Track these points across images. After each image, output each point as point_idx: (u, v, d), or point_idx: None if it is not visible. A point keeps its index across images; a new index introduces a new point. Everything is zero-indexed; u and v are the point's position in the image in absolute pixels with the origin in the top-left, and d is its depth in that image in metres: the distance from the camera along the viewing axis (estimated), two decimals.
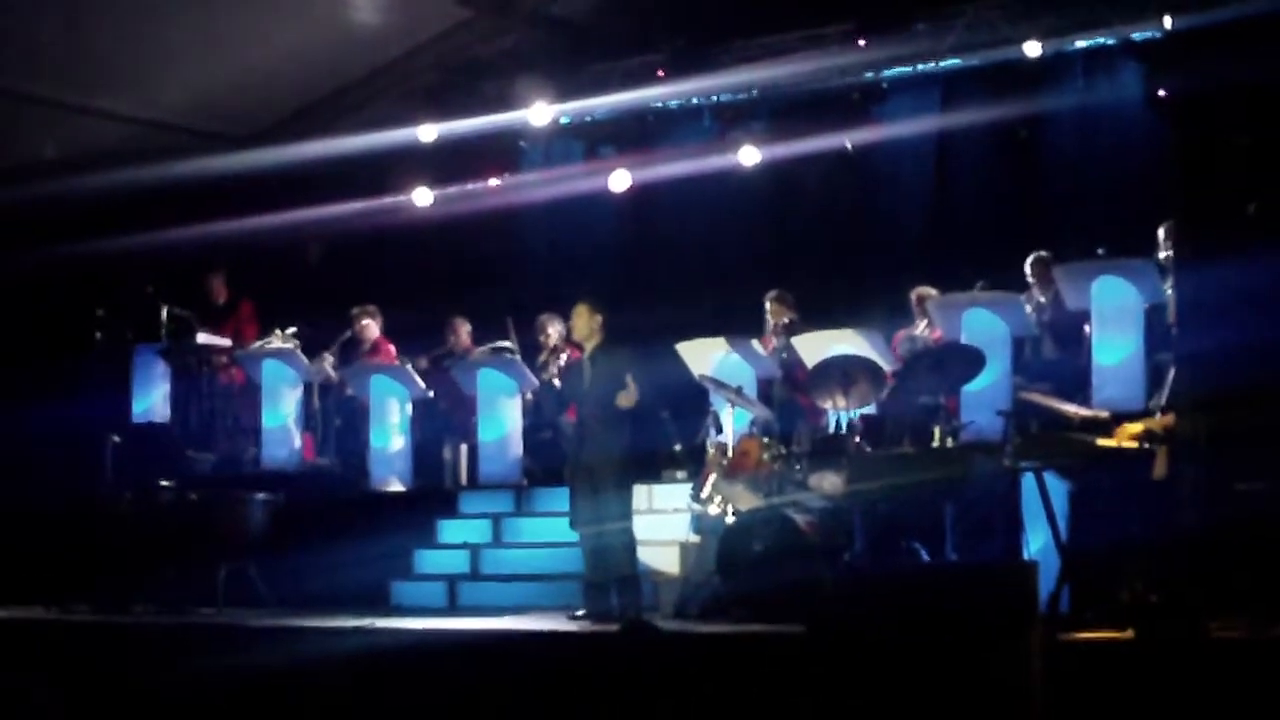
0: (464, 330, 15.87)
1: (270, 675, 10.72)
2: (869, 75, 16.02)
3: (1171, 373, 10.42)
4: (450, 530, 14.30)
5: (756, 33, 16.10)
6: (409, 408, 15.19)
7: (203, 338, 16.02)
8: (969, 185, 16.06)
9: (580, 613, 11.64)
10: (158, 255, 16.92)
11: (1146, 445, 9.93)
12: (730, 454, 12.11)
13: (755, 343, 13.98)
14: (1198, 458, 9.12)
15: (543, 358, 15.13)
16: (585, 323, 12.02)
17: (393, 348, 15.87)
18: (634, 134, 17.24)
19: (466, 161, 17.56)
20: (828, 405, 12.23)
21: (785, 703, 8.94)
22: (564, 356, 14.83)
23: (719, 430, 12.57)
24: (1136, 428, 10.07)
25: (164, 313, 16.00)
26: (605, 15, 17.00)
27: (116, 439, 14.60)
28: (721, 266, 16.65)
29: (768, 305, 14.27)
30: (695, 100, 16.91)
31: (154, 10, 15.63)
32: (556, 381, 14.66)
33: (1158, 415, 10.25)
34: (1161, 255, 12.39)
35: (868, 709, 7.98)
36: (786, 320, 14.10)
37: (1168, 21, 12.64)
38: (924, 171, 16.28)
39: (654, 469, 13.56)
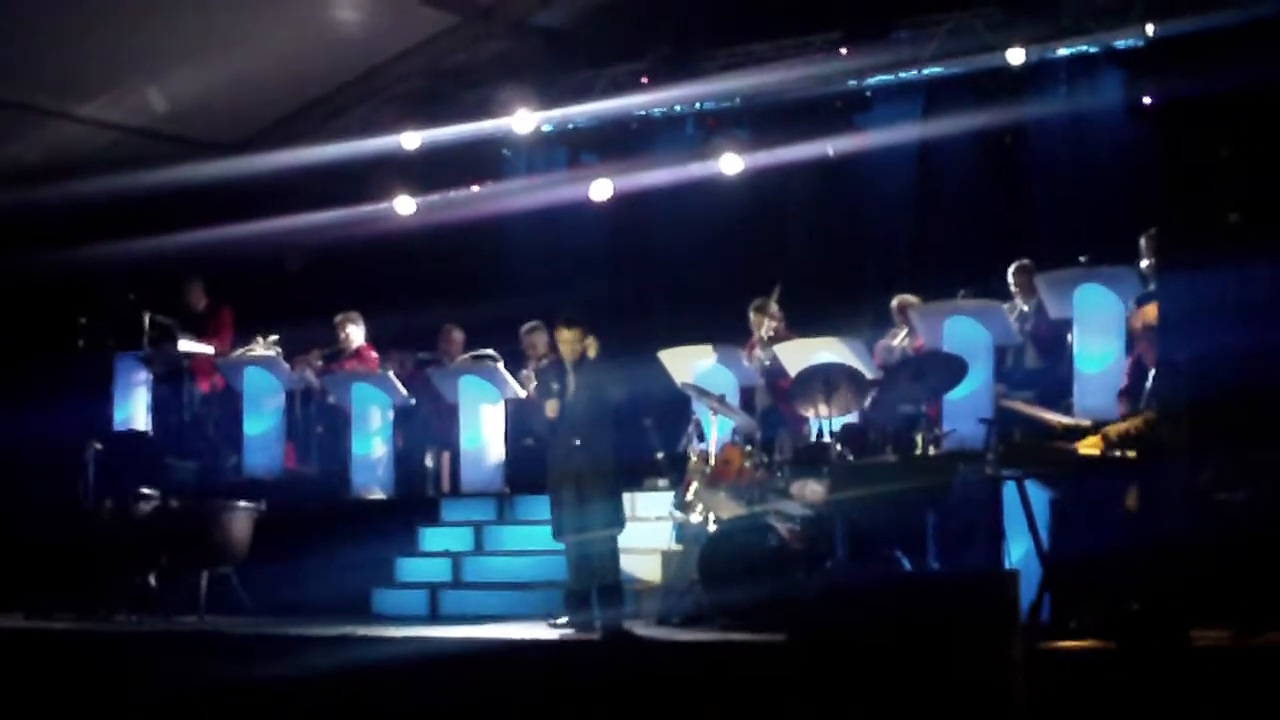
0: (456, 339, 15.83)
1: (252, 683, 10.69)
2: (852, 83, 16.02)
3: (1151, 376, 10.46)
4: (432, 538, 14.28)
5: (740, 41, 16.13)
6: (391, 415, 15.17)
7: (184, 345, 15.96)
8: (951, 193, 16.10)
9: (561, 620, 11.60)
10: (140, 262, 16.88)
11: (1123, 452, 9.94)
12: (712, 462, 12.08)
13: (738, 350, 13.97)
14: (1179, 466, 9.13)
15: (532, 367, 15.06)
16: (573, 346, 11.90)
17: (375, 354, 15.84)
18: (617, 141, 17.22)
19: (449, 169, 17.54)
20: (810, 413, 12.21)
21: (767, 711, 8.94)
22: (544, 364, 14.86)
23: (701, 438, 12.56)
24: (1095, 439, 10.09)
25: (146, 320, 15.95)
26: (589, 23, 17.02)
27: (98, 446, 14.57)
28: (705, 274, 16.66)
29: (751, 314, 14.25)
30: (678, 108, 16.93)
31: (138, 18, 15.59)
32: (533, 385, 14.69)
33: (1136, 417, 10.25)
34: (1143, 264, 12.41)
35: (849, 717, 7.97)
36: (770, 328, 14.09)
37: (1150, 29, 12.66)
38: (906, 179, 16.29)
39: (636, 477, 13.56)
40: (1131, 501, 9.72)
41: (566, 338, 11.81)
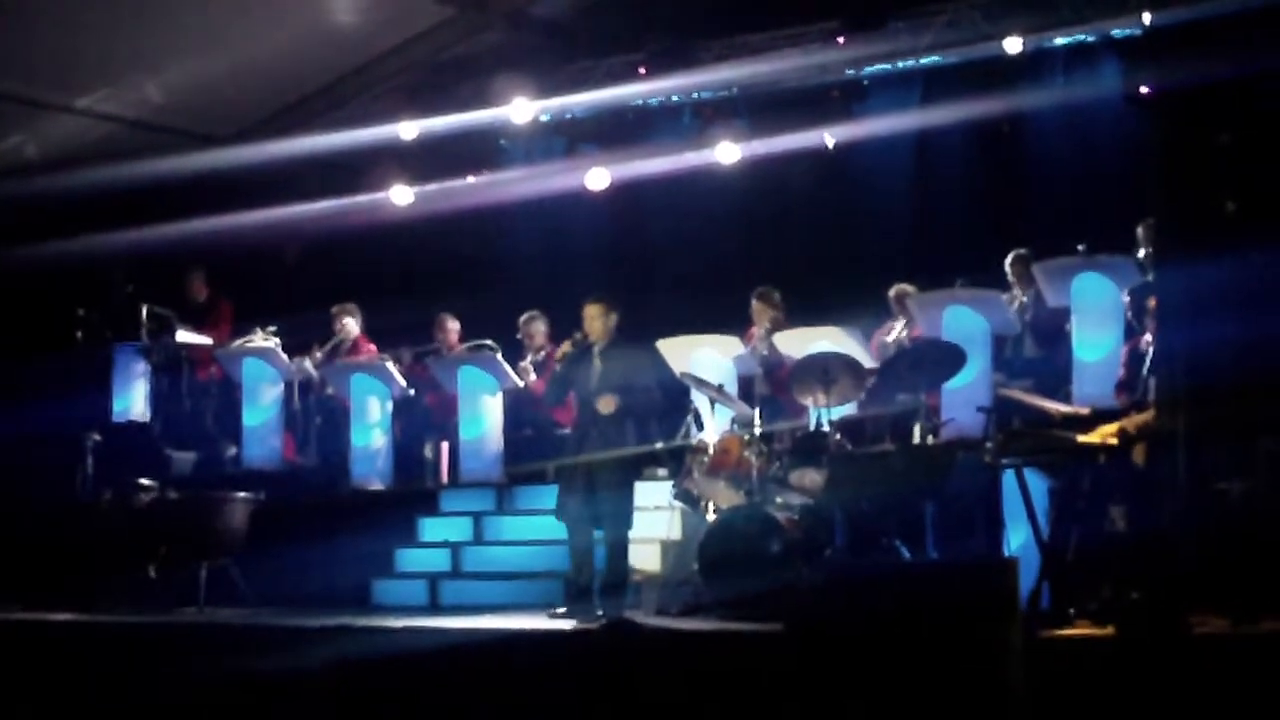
0: (452, 327, 15.82)
1: (252, 674, 10.69)
2: (849, 73, 16.03)
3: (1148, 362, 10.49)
4: (431, 528, 14.26)
5: (737, 31, 16.12)
6: (389, 406, 15.16)
7: (183, 336, 15.97)
8: (949, 183, 16.10)
9: (562, 610, 11.60)
10: (138, 254, 16.88)
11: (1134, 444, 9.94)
12: (711, 452, 12.09)
13: (737, 340, 13.97)
14: (1177, 455, 9.14)
15: (531, 358, 15.05)
16: (602, 323, 11.90)
17: (373, 346, 15.84)
18: (615, 131, 17.22)
19: (447, 159, 17.53)
20: (809, 403, 12.21)
21: (766, 701, 8.94)
22: (543, 355, 14.86)
23: (700, 428, 12.56)
24: (1113, 427, 10.08)
25: (144, 311, 15.95)
26: (586, 14, 17.01)
27: (96, 438, 14.58)
28: (702, 264, 16.66)
29: (755, 301, 14.26)
30: (676, 98, 16.91)
31: (136, 10, 15.58)
32: (532, 376, 14.69)
33: (1132, 413, 10.25)
34: (1141, 253, 12.42)
35: (848, 707, 7.97)
36: (771, 318, 14.10)
37: (1147, 18, 12.67)
38: (904, 169, 16.30)
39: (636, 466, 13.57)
40: (1139, 456, 9.73)
41: (593, 313, 11.82)
